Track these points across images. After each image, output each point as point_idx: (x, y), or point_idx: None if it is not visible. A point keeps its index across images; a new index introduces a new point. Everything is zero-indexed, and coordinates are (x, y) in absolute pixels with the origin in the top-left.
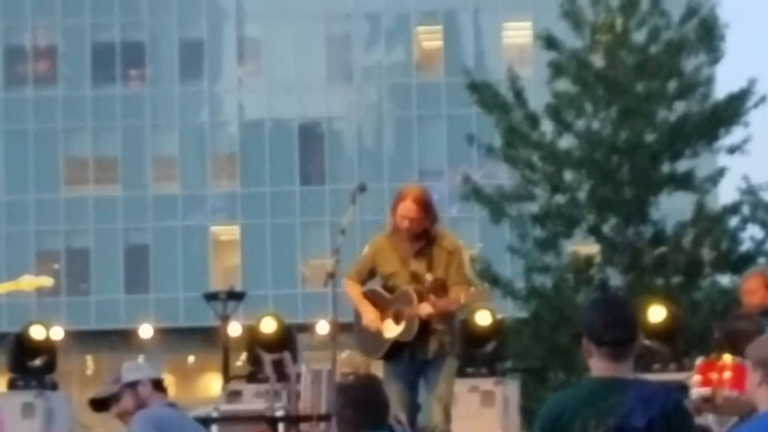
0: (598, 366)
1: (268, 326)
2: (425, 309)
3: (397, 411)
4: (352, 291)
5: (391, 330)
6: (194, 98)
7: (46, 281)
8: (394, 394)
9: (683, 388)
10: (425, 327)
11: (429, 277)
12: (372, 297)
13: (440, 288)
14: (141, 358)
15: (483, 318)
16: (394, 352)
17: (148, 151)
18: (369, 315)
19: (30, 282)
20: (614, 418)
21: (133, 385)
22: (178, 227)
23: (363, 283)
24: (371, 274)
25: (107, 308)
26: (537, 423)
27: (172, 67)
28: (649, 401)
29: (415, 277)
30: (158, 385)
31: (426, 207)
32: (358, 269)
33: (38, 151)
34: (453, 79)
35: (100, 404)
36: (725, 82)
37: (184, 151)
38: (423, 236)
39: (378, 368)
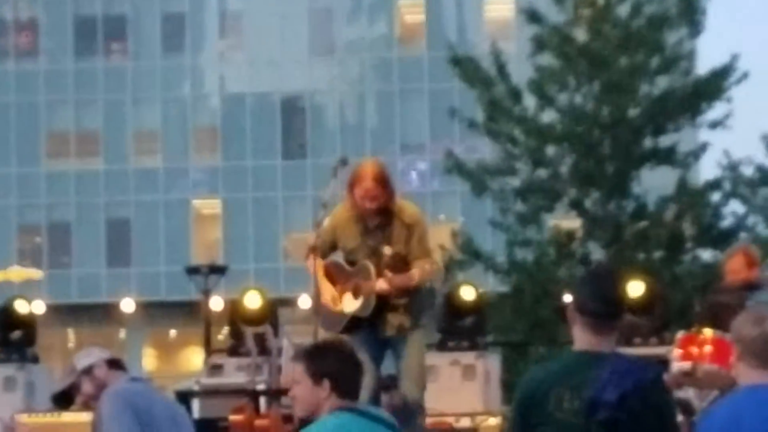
0: (578, 337)
1: (251, 300)
2: (380, 285)
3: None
4: (313, 264)
5: (350, 305)
6: (176, 72)
7: (36, 274)
8: None
9: (664, 362)
10: (383, 303)
11: (388, 251)
12: (333, 269)
13: (401, 262)
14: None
15: (465, 292)
16: (353, 327)
17: (129, 124)
18: (327, 293)
19: (19, 273)
20: (588, 392)
21: (88, 371)
22: (159, 201)
23: (325, 255)
24: (333, 246)
25: (89, 282)
26: (516, 395)
27: (154, 40)
28: (624, 375)
29: (375, 252)
30: (113, 364)
31: (386, 183)
32: (318, 243)
33: (20, 125)
34: (435, 53)
35: (63, 400)
36: (708, 58)
37: (166, 124)
38: (383, 210)
39: None
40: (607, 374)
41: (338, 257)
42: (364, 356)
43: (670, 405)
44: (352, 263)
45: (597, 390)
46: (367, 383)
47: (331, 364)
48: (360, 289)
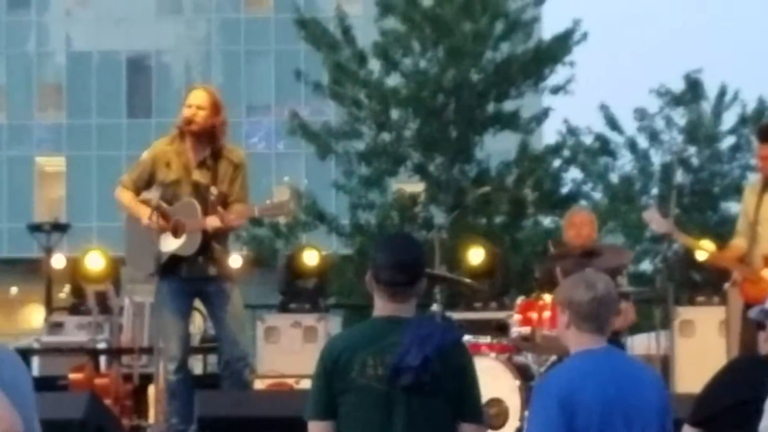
0: (378, 304)
1: (93, 260)
2: (212, 222)
3: (169, 338)
4: (125, 197)
5: (170, 243)
6: (21, 27)
7: None
8: (167, 319)
9: (503, 326)
10: (206, 244)
11: (214, 190)
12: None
13: (223, 203)
14: None
15: (308, 256)
16: (170, 268)
17: None
18: (146, 215)
19: None
20: (391, 357)
21: None
22: (3, 157)
23: (139, 192)
24: (149, 183)
25: None
26: (318, 363)
27: None
28: (425, 340)
29: (198, 188)
30: None
31: (215, 102)
32: (134, 177)
33: None
34: (282, 14)
35: None
36: (555, 25)
37: (11, 80)
38: (208, 143)
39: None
40: (409, 339)
41: (153, 194)
42: (173, 312)
43: (471, 367)
44: (170, 200)
45: (400, 355)
46: (180, 338)
47: None
48: (183, 227)
